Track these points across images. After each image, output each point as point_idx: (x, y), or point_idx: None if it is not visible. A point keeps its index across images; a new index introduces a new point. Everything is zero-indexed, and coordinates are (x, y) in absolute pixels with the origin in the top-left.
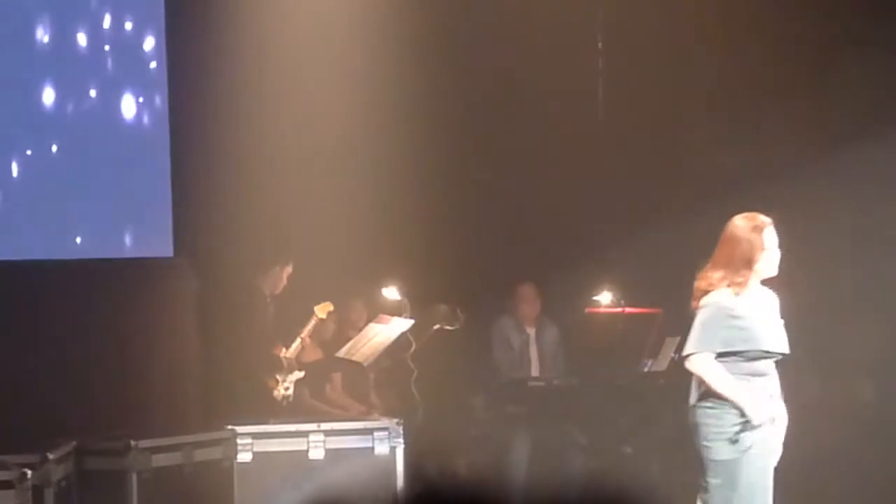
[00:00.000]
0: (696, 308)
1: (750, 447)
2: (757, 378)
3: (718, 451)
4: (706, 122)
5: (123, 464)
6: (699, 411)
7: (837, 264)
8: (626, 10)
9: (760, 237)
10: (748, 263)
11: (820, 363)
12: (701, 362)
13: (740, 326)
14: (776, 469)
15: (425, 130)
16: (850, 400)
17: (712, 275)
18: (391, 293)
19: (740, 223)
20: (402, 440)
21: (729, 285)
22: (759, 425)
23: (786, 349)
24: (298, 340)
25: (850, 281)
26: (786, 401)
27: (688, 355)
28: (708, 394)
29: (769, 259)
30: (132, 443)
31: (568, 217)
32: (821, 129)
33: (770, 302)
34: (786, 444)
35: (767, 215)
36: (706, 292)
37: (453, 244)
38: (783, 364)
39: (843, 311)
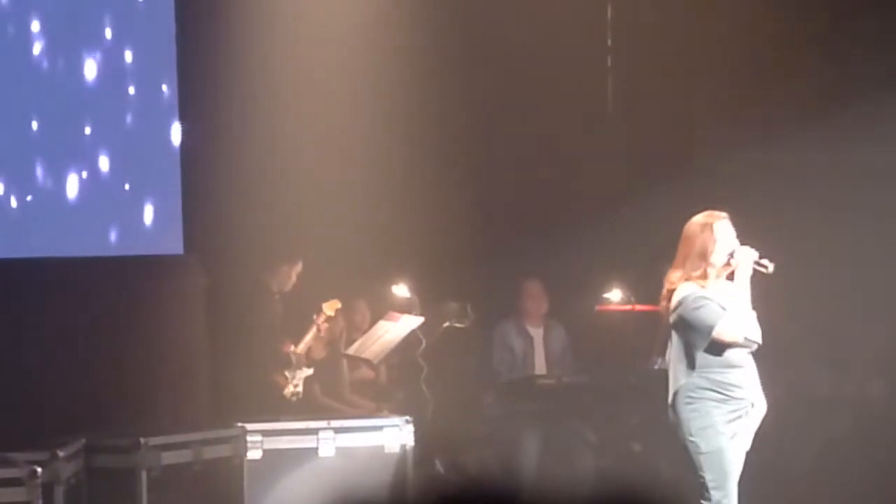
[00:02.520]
0: (668, 308)
1: (735, 435)
2: (732, 370)
3: (705, 443)
4: (717, 118)
5: (133, 461)
6: (679, 408)
7: (848, 262)
8: (634, 6)
9: (711, 231)
10: (702, 256)
11: (831, 360)
12: (730, 326)
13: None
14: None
15: (435, 128)
16: (860, 397)
17: (673, 275)
18: (401, 291)
19: (694, 220)
20: (412, 437)
21: (687, 279)
22: (742, 414)
23: (759, 339)
24: (308, 337)
25: (861, 278)
26: (797, 397)
27: (719, 335)
28: (685, 389)
29: (721, 251)
30: (142, 440)
31: (578, 214)
32: (831, 127)
33: (735, 293)
34: (798, 440)
35: (776, 213)
36: (671, 292)
37: (464, 241)
38: (795, 363)
39: (853, 308)
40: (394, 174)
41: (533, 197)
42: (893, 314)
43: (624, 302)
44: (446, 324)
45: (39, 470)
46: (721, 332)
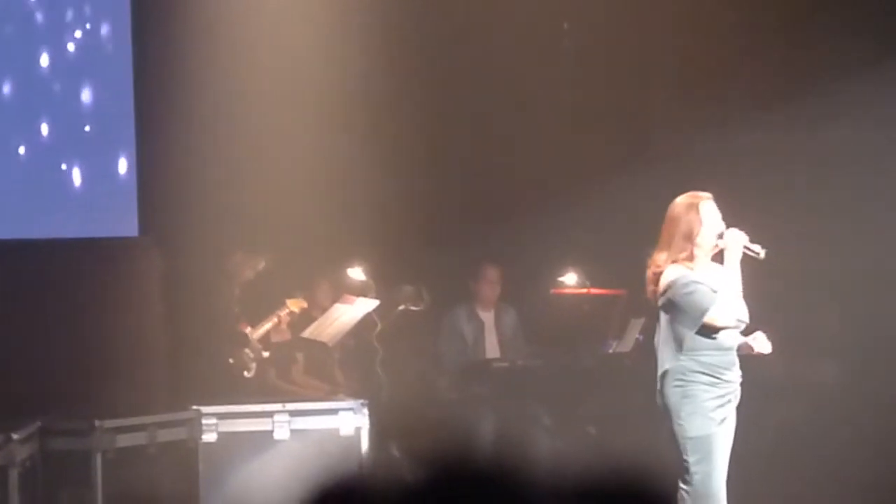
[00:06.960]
0: (655, 292)
1: (724, 420)
2: (723, 353)
3: (693, 427)
4: (673, 102)
5: (88, 444)
6: (668, 391)
7: (801, 245)
8: None
9: (697, 212)
10: (688, 238)
11: (784, 345)
12: (723, 310)
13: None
14: (739, 451)
15: (390, 111)
16: (813, 381)
17: (658, 257)
18: (356, 273)
19: (678, 201)
20: (367, 420)
21: (674, 262)
22: (731, 398)
23: (747, 318)
24: (267, 326)
25: (814, 262)
26: (750, 382)
27: (712, 320)
28: (674, 372)
29: (709, 232)
30: (96, 423)
31: (534, 198)
32: (788, 110)
33: (722, 275)
34: (751, 425)
35: (732, 196)
36: (658, 275)
37: (419, 225)
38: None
39: (807, 292)
40: (350, 158)
41: (489, 180)
42: (846, 297)
43: (579, 285)
44: (401, 307)
45: None
46: (714, 317)
